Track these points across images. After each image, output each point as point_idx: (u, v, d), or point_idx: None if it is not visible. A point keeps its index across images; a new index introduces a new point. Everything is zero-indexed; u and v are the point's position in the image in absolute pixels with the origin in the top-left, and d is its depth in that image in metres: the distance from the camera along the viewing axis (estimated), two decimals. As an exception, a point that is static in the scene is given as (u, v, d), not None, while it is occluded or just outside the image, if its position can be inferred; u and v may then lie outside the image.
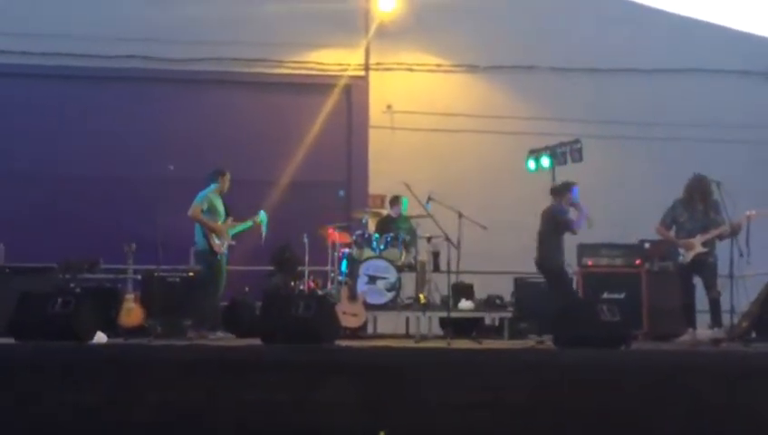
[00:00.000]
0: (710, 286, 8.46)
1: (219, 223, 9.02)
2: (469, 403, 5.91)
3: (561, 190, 9.02)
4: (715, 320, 8.38)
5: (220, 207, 9.09)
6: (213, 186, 9.14)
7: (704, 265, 8.45)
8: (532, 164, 11.21)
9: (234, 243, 9.20)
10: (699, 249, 8.40)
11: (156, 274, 9.33)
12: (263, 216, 9.34)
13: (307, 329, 6.79)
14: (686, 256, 8.48)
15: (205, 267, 9.06)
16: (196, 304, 8.95)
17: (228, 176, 9.22)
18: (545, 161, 11.01)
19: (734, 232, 8.26)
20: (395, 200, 10.64)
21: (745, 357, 6.90)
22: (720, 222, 8.37)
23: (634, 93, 12.99)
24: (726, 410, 6.04)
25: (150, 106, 12.70)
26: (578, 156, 10.69)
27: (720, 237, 8.37)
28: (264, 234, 9.37)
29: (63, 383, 6.13)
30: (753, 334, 8.50)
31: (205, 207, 8.98)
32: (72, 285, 9.58)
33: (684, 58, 13.09)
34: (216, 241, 8.93)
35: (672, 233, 8.68)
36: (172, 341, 8.06)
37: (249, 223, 9.30)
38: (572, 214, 8.83)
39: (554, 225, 8.76)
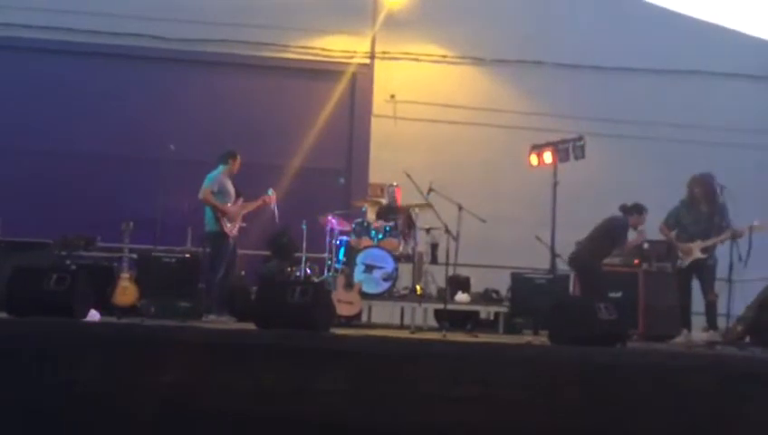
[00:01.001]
0: (707, 289, 8.48)
1: (229, 205, 8.99)
2: (463, 396, 5.89)
3: (631, 210, 9.38)
4: (711, 323, 8.41)
5: (230, 189, 9.07)
6: (222, 167, 9.11)
7: (703, 268, 8.46)
8: (534, 159, 11.15)
9: (245, 225, 9.18)
10: (697, 255, 8.43)
11: (152, 254, 9.31)
12: (270, 192, 9.34)
13: (303, 316, 6.76)
14: (683, 260, 8.50)
15: (214, 249, 9.01)
16: (209, 286, 8.92)
17: (239, 159, 9.19)
18: (547, 157, 10.96)
19: (735, 238, 8.24)
20: (390, 188, 10.64)
21: (739, 361, 6.88)
22: (724, 228, 8.35)
23: (639, 93, 12.96)
24: (718, 412, 6.03)
25: (156, 85, 12.65)
26: (580, 153, 10.64)
27: (722, 242, 8.36)
28: (276, 212, 9.36)
29: (56, 360, 6.10)
30: (748, 339, 8.49)
31: (215, 189, 8.94)
32: (67, 261, 9.55)
33: (693, 60, 13.03)
34: (228, 224, 8.90)
35: (674, 234, 8.65)
36: (165, 321, 8.04)
37: (259, 202, 9.29)
38: (632, 235, 9.38)
39: (609, 236, 9.26)
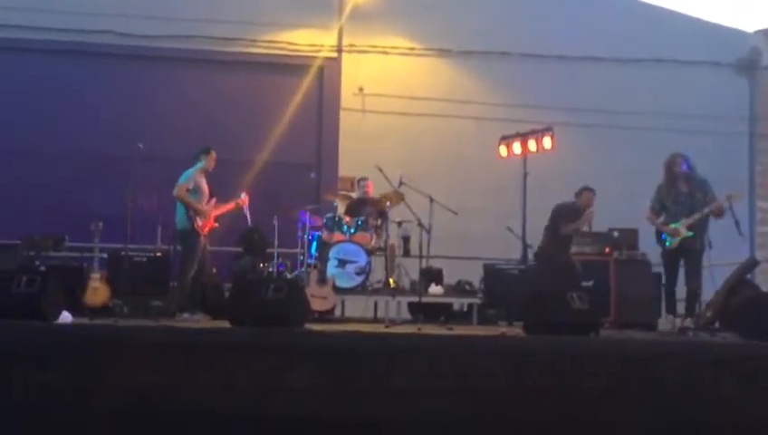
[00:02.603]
0: (691, 276, 8.48)
1: (203, 203, 8.94)
2: (439, 389, 5.90)
3: (578, 193, 9.47)
4: (689, 310, 8.43)
5: (205, 188, 9.02)
6: (199, 164, 9.05)
7: (690, 252, 8.45)
8: (503, 150, 11.20)
9: (217, 225, 9.13)
10: (684, 233, 8.41)
11: (123, 253, 9.23)
12: (243, 196, 9.33)
13: (277, 312, 6.73)
14: (672, 243, 8.49)
15: (186, 247, 8.95)
16: (180, 284, 8.86)
17: (213, 154, 9.14)
18: (516, 148, 11.02)
19: (718, 213, 8.29)
20: (360, 182, 10.63)
21: (710, 347, 6.97)
22: (708, 202, 8.37)
23: (604, 82, 13.06)
24: (692, 398, 6.10)
25: (122, 83, 12.51)
26: (549, 143, 10.72)
27: (713, 215, 8.36)
28: (248, 215, 9.34)
29: (28, 364, 6.02)
30: (717, 324, 8.59)
31: (190, 186, 8.89)
32: (36, 262, 9.43)
33: (655, 48, 13.18)
34: (200, 222, 8.84)
35: (661, 219, 8.67)
36: (139, 321, 7.97)
37: (231, 205, 9.24)
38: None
39: (552, 222, 9.30)
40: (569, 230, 9.29)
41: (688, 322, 8.32)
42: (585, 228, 9.64)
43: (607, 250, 9.89)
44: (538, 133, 10.81)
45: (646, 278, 9.63)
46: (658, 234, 8.72)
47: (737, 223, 8.21)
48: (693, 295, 8.42)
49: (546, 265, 9.33)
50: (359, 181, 10.76)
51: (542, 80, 12.96)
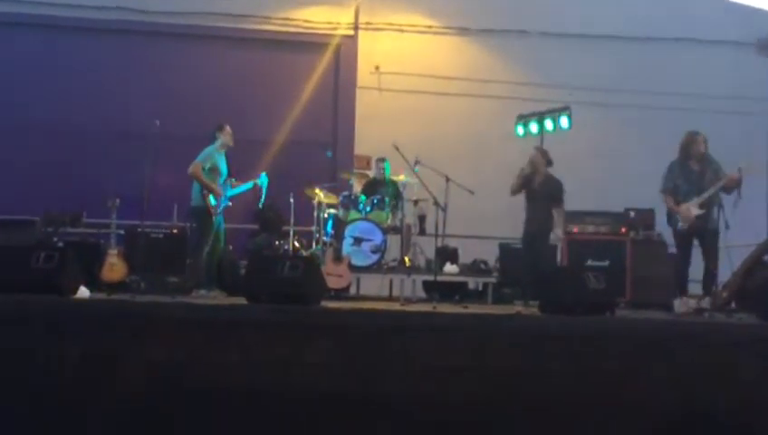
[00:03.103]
0: (709, 256, 8.36)
1: (219, 183, 8.90)
2: (455, 367, 5.91)
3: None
4: (707, 290, 8.32)
5: (222, 167, 8.95)
6: (216, 142, 9.00)
7: (704, 233, 8.34)
8: (520, 130, 11.16)
9: (230, 204, 9.13)
10: (696, 212, 8.29)
11: (139, 229, 9.27)
12: (264, 178, 9.27)
13: (293, 289, 6.76)
14: (684, 223, 8.40)
15: (199, 224, 8.95)
16: (194, 261, 8.89)
17: (228, 129, 9.06)
18: (534, 127, 10.98)
19: (731, 186, 8.17)
20: (380, 162, 10.60)
21: (727, 328, 6.94)
22: (719, 179, 8.25)
23: (624, 61, 12.95)
24: (708, 378, 6.08)
25: (138, 60, 12.52)
26: (567, 123, 10.66)
27: (725, 190, 8.21)
28: (263, 197, 9.33)
29: (46, 339, 6.07)
30: (733, 305, 8.55)
31: (207, 165, 8.83)
32: (54, 238, 9.50)
33: (676, 27, 13.04)
34: (213, 202, 8.83)
35: (673, 199, 8.52)
36: (155, 297, 8.01)
37: (250, 184, 9.23)
38: None
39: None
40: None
41: (705, 301, 8.24)
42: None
43: (623, 230, 9.85)
44: (555, 112, 10.75)
45: (662, 258, 9.57)
46: (669, 214, 8.62)
47: (738, 197, 8.08)
48: (710, 275, 8.30)
49: (545, 241, 9.25)
50: (377, 161, 10.75)
51: (563, 59, 12.85)
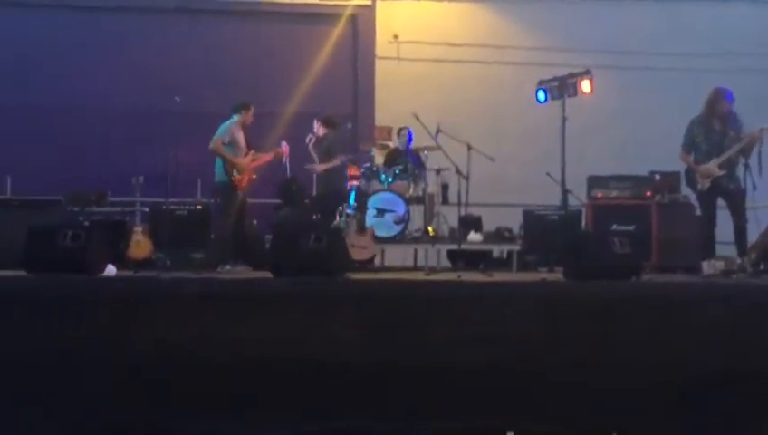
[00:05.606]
0: (736, 212, 8.14)
1: (240, 157, 8.96)
2: (481, 335, 5.90)
3: None
4: (742, 249, 8.14)
5: (241, 141, 9.03)
6: (235, 117, 9.06)
7: (727, 192, 8.17)
8: (541, 95, 11.04)
9: (254, 177, 9.17)
10: (716, 172, 8.14)
11: (164, 206, 9.32)
12: (283, 146, 9.35)
13: (318, 262, 6.78)
14: (703, 184, 8.25)
15: (223, 200, 9.01)
16: (218, 237, 8.94)
17: (252, 109, 9.14)
18: (554, 92, 10.85)
19: (750, 147, 7.99)
20: (401, 132, 10.57)
21: (756, 289, 6.89)
22: (740, 140, 8.07)
23: (643, 23, 12.78)
24: (736, 341, 6.05)
25: (158, 37, 12.50)
26: (588, 87, 10.53)
27: (743, 153, 8.06)
28: (287, 165, 9.36)
29: (74, 316, 6.13)
30: (762, 266, 8.48)
31: (227, 140, 8.91)
32: (80, 217, 9.58)
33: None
34: (237, 175, 8.88)
35: (692, 157, 8.38)
36: (181, 273, 8.08)
37: (270, 155, 9.26)
38: None
39: None
40: None
41: (741, 261, 8.11)
42: None
43: (648, 193, 9.78)
44: (576, 77, 10.62)
45: (688, 221, 9.47)
46: (688, 174, 8.49)
47: (759, 163, 7.92)
48: (740, 232, 8.09)
49: None
50: (399, 130, 10.71)
51: (580, 22, 12.70)
